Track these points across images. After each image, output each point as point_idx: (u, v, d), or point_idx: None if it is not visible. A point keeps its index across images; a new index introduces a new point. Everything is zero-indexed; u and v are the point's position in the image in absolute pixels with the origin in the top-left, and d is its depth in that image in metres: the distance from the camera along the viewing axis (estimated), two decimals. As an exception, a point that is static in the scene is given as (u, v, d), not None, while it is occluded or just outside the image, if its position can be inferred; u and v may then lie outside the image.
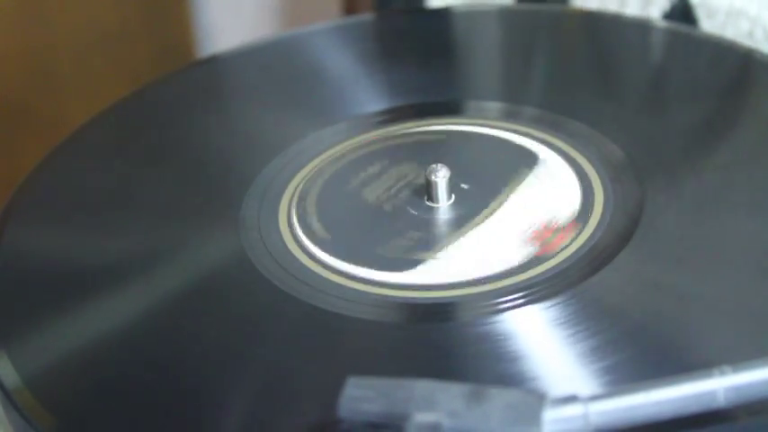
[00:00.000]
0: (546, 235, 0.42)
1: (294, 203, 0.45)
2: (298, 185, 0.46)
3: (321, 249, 0.42)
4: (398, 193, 0.45)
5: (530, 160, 0.46)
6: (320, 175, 0.46)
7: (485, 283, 0.40)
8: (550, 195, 0.44)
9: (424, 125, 0.49)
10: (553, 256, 0.41)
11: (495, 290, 0.40)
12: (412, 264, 0.41)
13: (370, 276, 0.41)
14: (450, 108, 0.50)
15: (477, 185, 0.45)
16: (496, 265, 0.41)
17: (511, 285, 0.40)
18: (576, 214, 0.43)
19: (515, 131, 0.48)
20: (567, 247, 0.41)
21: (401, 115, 0.50)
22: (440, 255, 0.42)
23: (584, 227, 0.42)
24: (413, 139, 0.48)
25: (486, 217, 0.43)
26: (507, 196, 0.44)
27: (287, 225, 0.44)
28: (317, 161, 0.47)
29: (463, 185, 0.44)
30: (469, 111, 0.50)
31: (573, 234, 0.42)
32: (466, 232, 0.42)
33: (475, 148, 0.48)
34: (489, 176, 0.45)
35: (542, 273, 0.40)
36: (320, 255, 0.42)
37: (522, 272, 0.40)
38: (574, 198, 0.44)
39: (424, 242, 0.42)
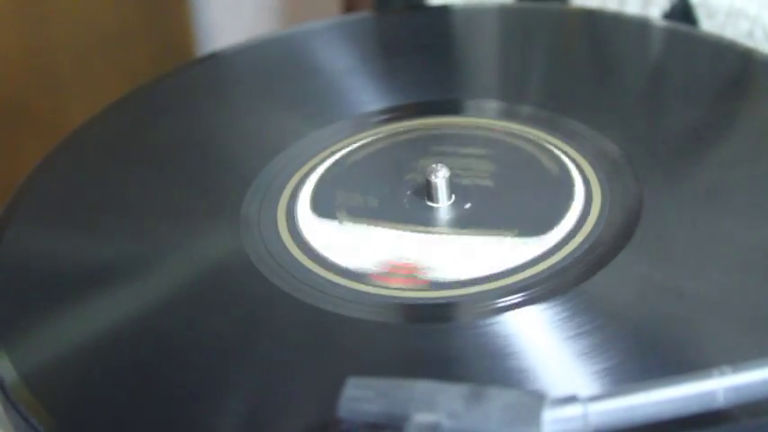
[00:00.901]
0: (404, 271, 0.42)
1: (294, 203, 0.45)
2: (297, 185, 0.46)
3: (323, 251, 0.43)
4: (398, 194, 0.45)
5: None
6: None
7: (485, 283, 0.40)
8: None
9: (423, 124, 0.49)
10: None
11: (496, 290, 0.40)
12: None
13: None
14: (450, 106, 0.50)
15: (477, 185, 0.45)
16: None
17: (511, 285, 0.40)
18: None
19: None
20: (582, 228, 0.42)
21: (400, 114, 0.50)
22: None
23: (582, 226, 0.42)
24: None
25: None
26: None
27: (287, 225, 0.44)
28: (316, 160, 0.47)
29: (463, 184, 0.44)
30: (468, 109, 0.50)
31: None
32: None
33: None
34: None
35: (542, 273, 0.40)
36: (321, 255, 0.42)
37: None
38: (574, 197, 0.44)
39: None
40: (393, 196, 0.45)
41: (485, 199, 0.44)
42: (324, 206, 0.45)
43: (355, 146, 0.48)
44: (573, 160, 0.45)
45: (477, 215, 0.43)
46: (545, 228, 0.42)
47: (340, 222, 0.44)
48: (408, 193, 0.45)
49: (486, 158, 0.46)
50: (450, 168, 0.44)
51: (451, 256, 0.41)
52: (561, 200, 0.43)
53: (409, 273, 0.41)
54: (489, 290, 0.40)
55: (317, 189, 0.46)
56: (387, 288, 0.40)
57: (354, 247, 0.43)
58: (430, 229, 0.43)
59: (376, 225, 0.44)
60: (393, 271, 0.41)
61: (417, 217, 0.44)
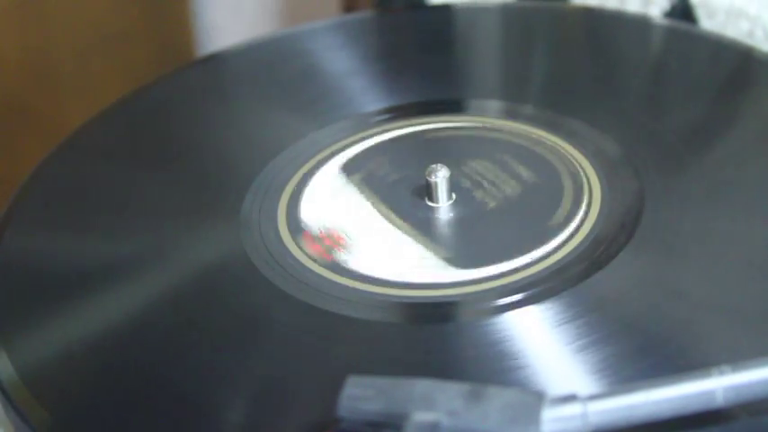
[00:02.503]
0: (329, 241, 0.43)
1: (294, 203, 0.45)
2: (298, 185, 0.46)
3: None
4: (398, 194, 0.45)
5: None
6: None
7: (485, 282, 0.40)
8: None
9: (422, 123, 0.49)
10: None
11: (495, 289, 0.40)
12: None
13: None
14: (450, 106, 0.50)
15: (476, 184, 0.45)
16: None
17: (511, 285, 0.40)
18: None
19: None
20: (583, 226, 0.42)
21: (401, 114, 0.50)
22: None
23: (582, 225, 0.42)
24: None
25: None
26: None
27: (287, 225, 0.44)
28: (316, 160, 0.47)
29: (463, 184, 0.44)
30: (469, 109, 0.50)
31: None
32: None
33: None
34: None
35: (541, 272, 0.40)
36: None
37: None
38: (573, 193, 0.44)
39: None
40: (393, 197, 0.45)
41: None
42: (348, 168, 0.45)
43: (354, 145, 0.48)
44: (573, 159, 0.45)
45: (481, 212, 0.43)
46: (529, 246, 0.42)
47: (345, 180, 0.45)
48: (408, 193, 0.45)
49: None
50: (450, 168, 0.44)
51: (379, 253, 0.42)
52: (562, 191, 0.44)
53: (330, 246, 0.42)
54: (490, 289, 0.40)
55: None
56: (387, 287, 0.40)
57: (327, 205, 0.44)
58: (399, 222, 0.43)
59: (366, 197, 0.44)
60: (322, 237, 0.42)
61: (402, 208, 0.44)
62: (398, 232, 0.43)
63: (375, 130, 0.49)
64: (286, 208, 0.45)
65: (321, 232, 0.43)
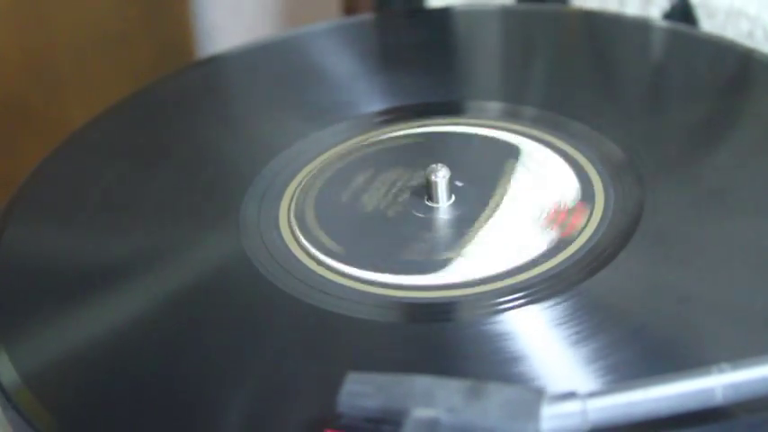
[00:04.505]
0: (561, 218, 0.42)
1: (294, 203, 0.45)
2: (298, 185, 0.46)
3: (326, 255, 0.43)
4: (399, 194, 0.45)
5: (530, 160, 0.46)
6: (320, 176, 0.46)
7: (485, 283, 0.40)
8: (551, 188, 0.44)
9: (423, 125, 0.49)
10: (572, 240, 0.41)
11: (496, 290, 0.40)
12: (438, 265, 0.41)
13: (370, 277, 0.41)
14: (450, 108, 0.50)
15: (475, 184, 0.45)
16: (523, 255, 0.41)
17: (511, 285, 0.40)
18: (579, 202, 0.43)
19: (515, 131, 0.48)
20: (585, 228, 0.42)
21: (401, 115, 0.50)
22: (463, 252, 0.42)
23: (583, 225, 0.42)
24: (412, 139, 0.49)
25: (493, 212, 0.43)
26: (508, 193, 0.44)
27: (287, 225, 0.44)
28: (317, 161, 0.47)
29: (460, 184, 0.45)
30: (469, 111, 0.50)
31: (586, 214, 0.42)
32: (479, 228, 0.43)
33: (472, 147, 0.48)
34: (487, 175, 0.45)
35: (542, 273, 0.40)
36: (321, 256, 0.42)
37: (523, 272, 0.40)
38: (573, 190, 0.44)
39: (440, 241, 0.42)
40: (394, 197, 0.45)
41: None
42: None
43: (354, 146, 0.48)
44: (574, 160, 0.46)
45: (483, 211, 0.43)
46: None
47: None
48: (408, 193, 0.45)
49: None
50: (450, 169, 0.44)
51: (476, 252, 0.42)
52: (563, 189, 0.44)
53: (565, 221, 0.42)
54: (490, 290, 0.40)
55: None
56: (387, 288, 0.40)
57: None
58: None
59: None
60: (559, 214, 0.43)
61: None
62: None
63: (376, 131, 0.49)
64: (286, 208, 0.45)
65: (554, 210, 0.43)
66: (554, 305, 0.38)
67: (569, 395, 0.32)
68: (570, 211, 0.43)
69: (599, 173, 0.45)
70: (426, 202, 0.44)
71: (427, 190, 0.44)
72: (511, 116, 0.49)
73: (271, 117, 0.51)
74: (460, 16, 0.59)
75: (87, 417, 0.37)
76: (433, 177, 0.44)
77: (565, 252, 0.41)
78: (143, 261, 0.43)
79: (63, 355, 0.39)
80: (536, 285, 0.39)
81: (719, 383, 0.32)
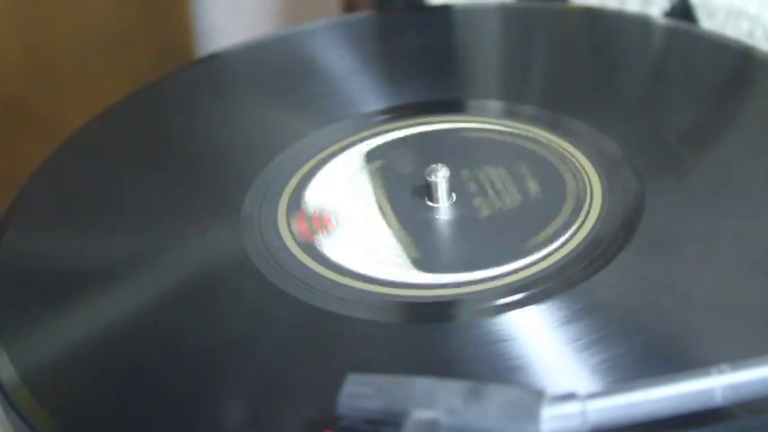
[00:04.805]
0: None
1: (294, 203, 0.45)
2: (298, 185, 0.46)
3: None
4: (399, 194, 0.45)
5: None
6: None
7: (485, 282, 0.40)
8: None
9: (423, 123, 0.49)
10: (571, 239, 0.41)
11: (496, 289, 0.40)
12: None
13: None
14: (450, 106, 0.50)
15: (477, 183, 0.45)
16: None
17: (511, 284, 0.40)
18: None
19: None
20: (583, 227, 0.42)
21: (401, 114, 0.50)
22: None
23: (582, 225, 0.42)
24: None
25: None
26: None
27: (287, 225, 0.44)
28: (316, 160, 0.47)
29: (462, 183, 0.45)
30: (469, 109, 0.50)
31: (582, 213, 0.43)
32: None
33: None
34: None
35: (542, 272, 0.40)
36: (322, 255, 0.42)
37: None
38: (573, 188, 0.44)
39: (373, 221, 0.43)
40: (394, 197, 0.45)
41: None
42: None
43: (354, 145, 0.48)
44: (573, 158, 0.45)
45: (483, 210, 0.43)
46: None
47: (362, 163, 0.46)
48: (408, 193, 0.45)
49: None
50: (450, 168, 0.44)
51: (357, 247, 0.42)
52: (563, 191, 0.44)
53: (315, 227, 0.43)
54: (490, 289, 0.40)
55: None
56: (387, 287, 0.40)
57: (334, 188, 0.45)
58: (391, 216, 0.43)
59: (373, 187, 0.45)
60: (313, 218, 0.43)
61: (401, 205, 0.44)
62: (384, 226, 0.43)
63: (375, 130, 0.49)
64: (286, 208, 0.45)
65: (315, 213, 0.43)
66: (554, 305, 0.38)
67: (569, 396, 0.32)
68: (563, 210, 0.43)
69: (598, 170, 0.45)
70: (427, 202, 0.44)
71: (427, 190, 0.44)
72: (511, 114, 0.49)
73: (271, 116, 0.51)
74: (460, 14, 0.59)
75: (87, 416, 0.37)
76: (432, 177, 0.44)
77: (563, 251, 0.41)
78: (143, 261, 0.43)
79: (63, 355, 0.39)
80: (535, 285, 0.39)
81: (719, 384, 0.32)
